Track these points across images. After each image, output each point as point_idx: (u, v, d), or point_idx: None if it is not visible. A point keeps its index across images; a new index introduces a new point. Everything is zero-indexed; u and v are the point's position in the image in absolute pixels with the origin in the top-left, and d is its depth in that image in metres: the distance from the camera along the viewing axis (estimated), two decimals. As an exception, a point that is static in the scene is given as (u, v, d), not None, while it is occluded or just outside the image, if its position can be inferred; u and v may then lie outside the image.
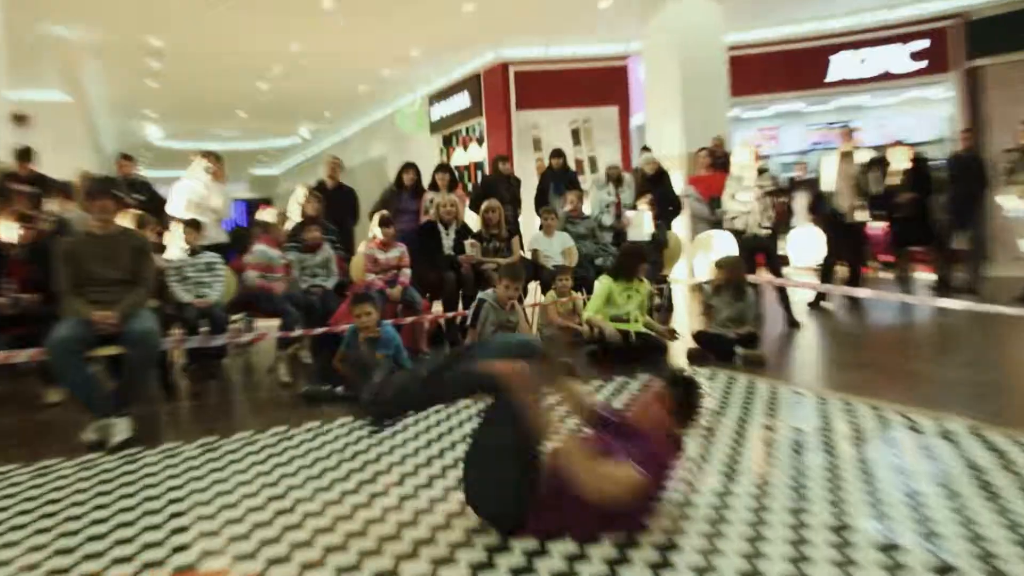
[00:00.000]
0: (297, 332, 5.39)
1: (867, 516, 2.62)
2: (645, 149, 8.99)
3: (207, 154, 6.57)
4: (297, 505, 2.98)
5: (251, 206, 22.38)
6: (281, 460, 3.58)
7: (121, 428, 4.04)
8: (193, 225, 5.73)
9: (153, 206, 6.63)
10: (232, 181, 24.89)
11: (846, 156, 7.47)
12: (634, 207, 7.48)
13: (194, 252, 5.61)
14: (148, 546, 2.67)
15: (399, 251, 6.22)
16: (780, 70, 12.84)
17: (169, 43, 11.46)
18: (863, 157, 7.51)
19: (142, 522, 2.89)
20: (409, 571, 2.37)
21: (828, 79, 12.80)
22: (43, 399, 5.08)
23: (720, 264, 5.67)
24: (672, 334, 5.69)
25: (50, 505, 3.15)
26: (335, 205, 7.02)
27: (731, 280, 5.55)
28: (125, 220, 5.16)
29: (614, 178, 7.77)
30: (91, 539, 2.76)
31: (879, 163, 7.54)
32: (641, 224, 7.24)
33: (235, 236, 9.07)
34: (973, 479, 2.92)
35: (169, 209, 6.45)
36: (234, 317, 5.93)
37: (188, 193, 6.41)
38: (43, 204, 6.47)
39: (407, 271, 6.15)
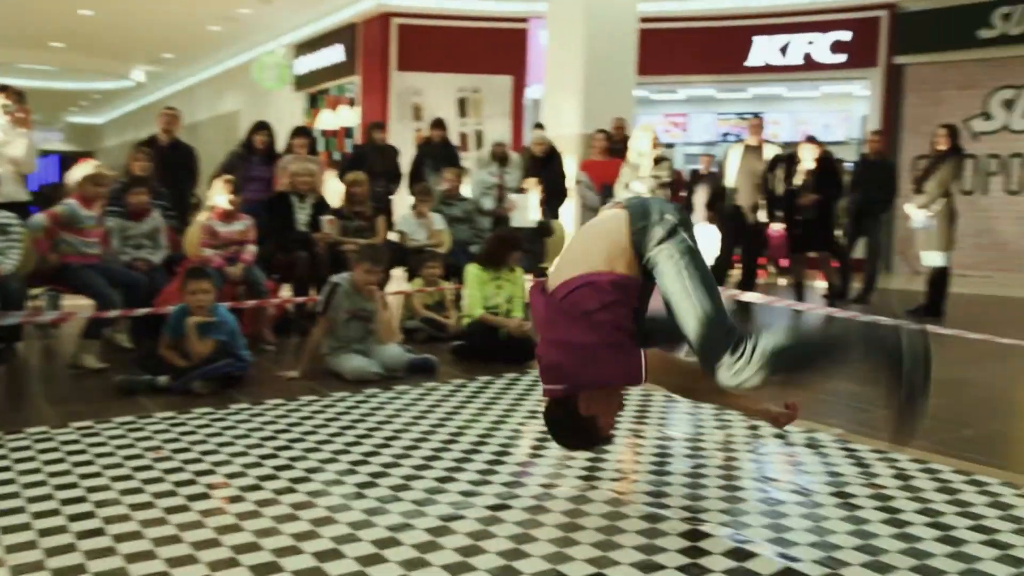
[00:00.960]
0: (114, 313, 5.39)
1: (720, 522, 2.94)
2: (538, 126, 9.28)
3: (5, 90, 6.41)
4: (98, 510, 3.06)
5: (65, 160, 21.59)
6: (82, 459, 3.63)
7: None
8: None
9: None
10: (41, 128, 24.00)
11: (752, 150, 7.98)
12: (520, 190, 7.75)
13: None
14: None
15: (244, 224, 6.29)
16: (695, 50, 13.41)
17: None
18: (770, 153, 8.02)
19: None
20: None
21: (747, 63, 13.43)
22: None
23: None
24: (521, 327, 5.82)
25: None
26: (169, 165, 7.00)
27: None
28: None
29: (500, 157, 8.02)
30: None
31: (786, 160, 8.03)
32: (526, 209, 7.52)
33: (41, 195, 8.86)
34: (832, 488, 3.30)
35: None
36: (34, 292, 5.84)
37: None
38: None
39: (252, 248, 6.22)
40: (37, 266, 5.54)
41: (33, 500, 3.09)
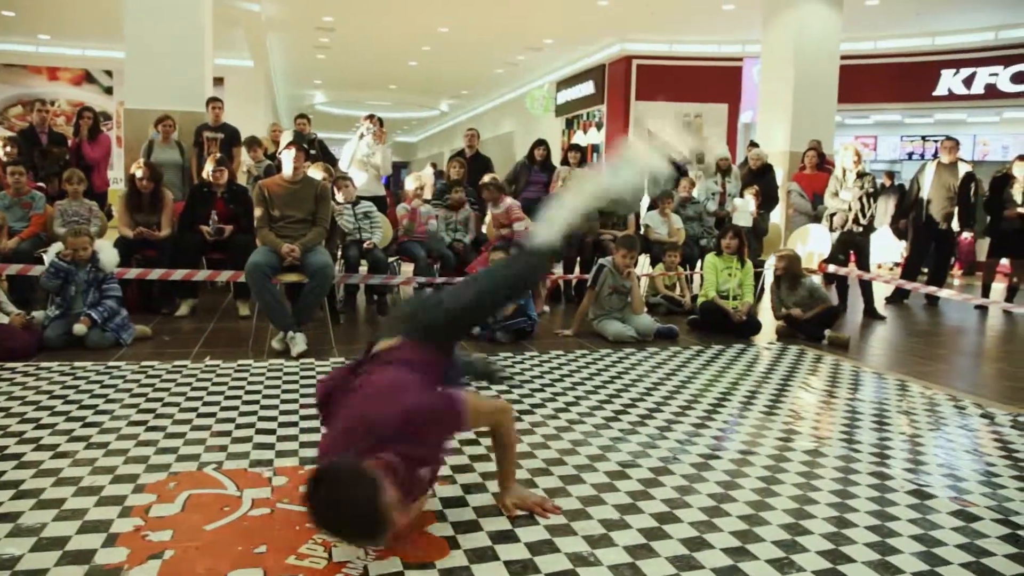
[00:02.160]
0: (438, 280, 5.66)
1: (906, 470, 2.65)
2: (753, 144, 8.81)
3: (371, 117, 6.86)
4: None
5: (395, 167, 23.02)
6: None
7: (299, 342, 4.39)
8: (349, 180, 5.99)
9: (323, 160, 6.97)
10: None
11: (945, 167, 7.16)
12: (741, 195, 7.40)
13: (354, 203, 5.89)
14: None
15: (504, 206, 6.27)
16: (887, 82, 12.30)
17: (338, 21, 11.89)
18: (962, 170, 7.18)
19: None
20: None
21: (935, 93, 12.16)
22: (237, 311, 5.55)
23: (778, 256, 5.61)
24: (737, 313, 5.47)
25: (249, 395, 3.50)
26: (473, 171, 7.23)
27: (787, 271, 5.48)
28: (317, 171, 5.47)
29: (723, 169, 7.68)
30: (283, 425, 3.08)
31: (1002, 177, 7.11)
32: (746, 211, 7.16)
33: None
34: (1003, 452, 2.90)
35: (340, 165, 6.80)
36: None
37: (355, 151, 6.73)
38: (233, 151, 6.96)
39: (517, 225, 6.20)
40: (390, 242, 5.92)
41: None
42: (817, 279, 6.07)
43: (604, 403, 3.54)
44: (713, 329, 5.42)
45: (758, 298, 7.04)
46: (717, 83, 13.05)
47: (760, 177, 7.83)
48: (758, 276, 6.70)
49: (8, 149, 6.07)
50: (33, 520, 2.15)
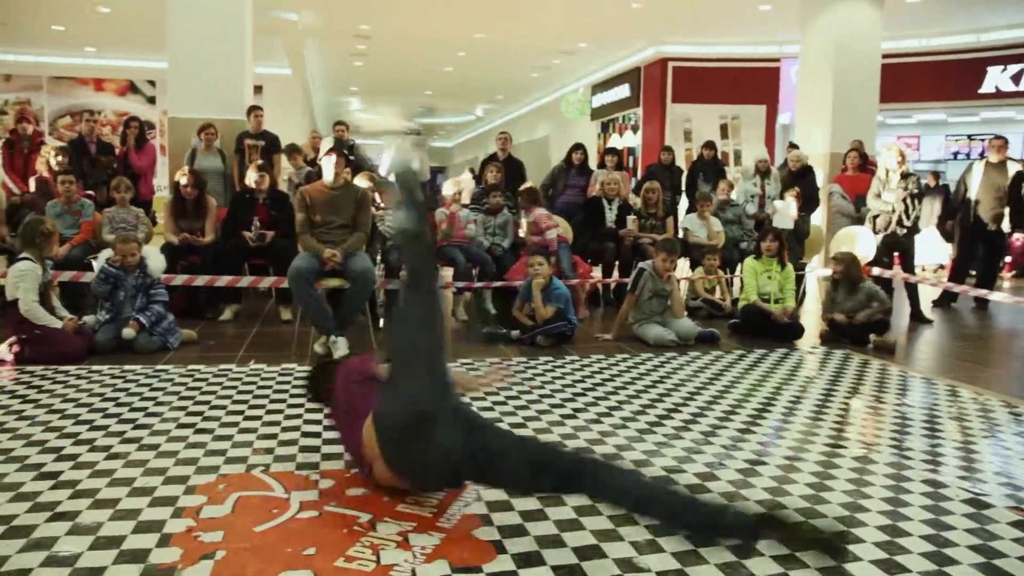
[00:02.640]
0: (479, 284, 5.68)
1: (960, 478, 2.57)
2: (793, 146, 8.69)
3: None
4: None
5: (432, 172, 23.17)
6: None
7: (341, 346, 4.44)
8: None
9: (361, 166, 7.03)
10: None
11: (994, 167, 6.98)
12: (781, 198, 7.30)
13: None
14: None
15: (534, 216, 6.28)
16: (930, 80, 12.03)
17: (375, 28, 12.01)
18: (1012, 169, 6.98)
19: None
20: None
21: (981, 91, 11.86)
22: (280, 316, 5.63)
23: (836, 259, 5.49)
24: (781, 315, 5.39)
25: (294, 398, 3.54)
26: (506, 175, 7.23)
27: (845, 275, 5.37)
28: (362, 179, 5.51)
29: (762, 171, 7.59)
30: (328, 428, 3.11)
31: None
32: (786, 213, 7.05)
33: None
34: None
35: (381, 171, 6.85)
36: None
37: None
38: (274, 158, 7.06)
39: (550, 234, 6.11)
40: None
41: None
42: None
43: (647, 407, 3.51)
44: (755, 333, 5.34)
45: (800, 301, 6.93)
46: (754, 84, 12.89)
47: (800, 179, 7.72)
48: (800, 279, 6.60)
49: (59, 159, 6.24)
50: (90, 519, 2.21)
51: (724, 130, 13.05)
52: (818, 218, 8.22)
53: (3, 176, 6.86)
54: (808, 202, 7.54)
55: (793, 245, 6.83)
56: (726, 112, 13.11)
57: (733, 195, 7.43)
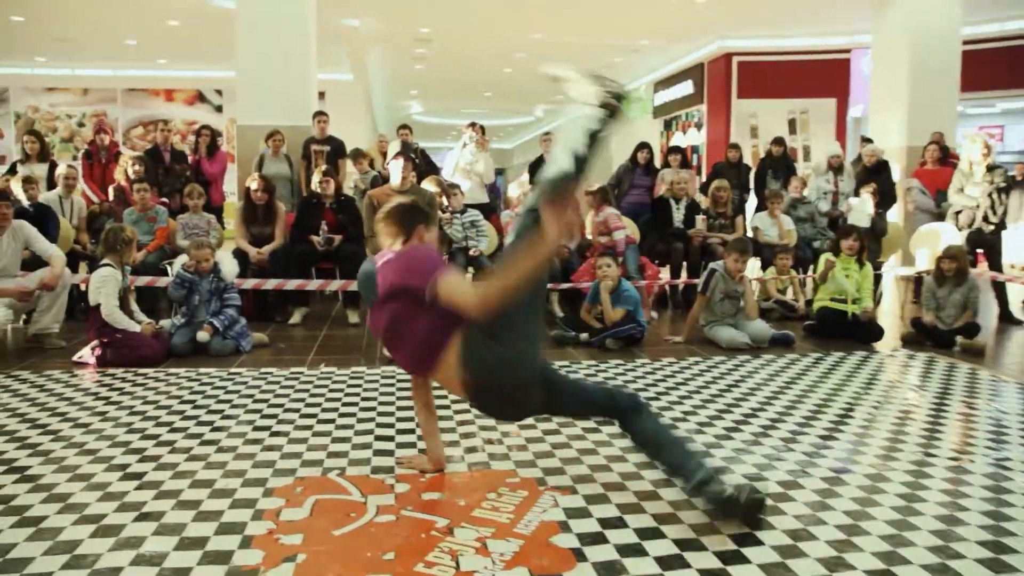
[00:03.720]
0: (546, 286, 5.66)
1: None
2: (867, 140, 8.40)
3: (473, 125, 6.94)
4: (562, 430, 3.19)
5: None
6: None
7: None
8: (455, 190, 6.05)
9: (428, 170, 7.11)
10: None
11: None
12: (856, 194, 7.07)
13: (461, 211, 5.96)
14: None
15: (603, 215, 6.19)
16: (1014, 66, 11.47)
17: (435, 31, 12.12)
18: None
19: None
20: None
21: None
22: (347, 319, 5.72)
23: (946, 254, 5.25)
24: (865, 312, 5.24)
25: (365, 402, 3.59)
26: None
27: (959, 270, 5.13)
28: (431, 184, 5.55)
29: (835, 167, 7.37)
30: (401, 432, 3.13)
31: None
32: (863, 210, 6.82)
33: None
34: None
35: (443, 174, 6.91)
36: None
37: (458, 159, 6.82)
38: (339, 163, 7.18)
39: (617, 235, 6.09)
40: (495, 249, 5.96)
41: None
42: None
43: (723, 412, 3.44)
44: (831, 335, 5.18)
45: (877, 302, 6.71)
46: (823, 77, 12.52)
47: (875, 174, 7.47)
48: (877, 280, 6.38)
49: (136, 167, 6.48)
50: (175, 519, 2.27)
51: (792, 125, 12.72)
52: (895, 215, 7.94)
53: (83, 186, 7.15)
54: (885, 198, 7.29)
55: (870, 244, 6.61)
56: (794, 107, 12.78)
57: (805, 192, 7.23)
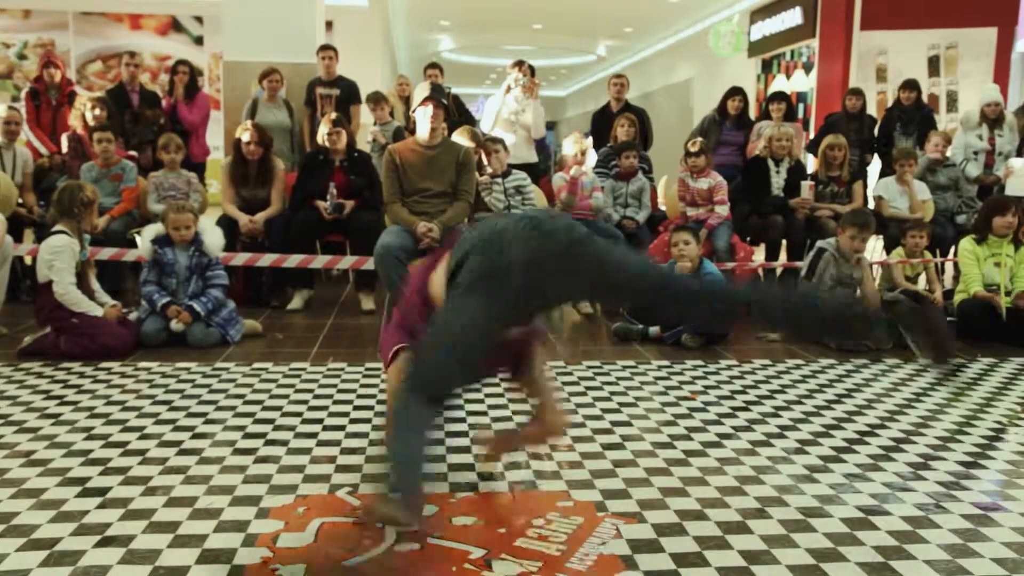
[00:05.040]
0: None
1: None
2: (1034, 84, 8.22)
3: (520, 64, 6.95)
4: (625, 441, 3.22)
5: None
6: (601, 394, 3.86)
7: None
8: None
9: (463, 120, 7.14)
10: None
11: None
12: (1020, 154, 6.93)
13: (503, 174, 5.97)
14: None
15: (710, 182, 6.25)
16: None
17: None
18: None
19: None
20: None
21: None
22: (360, 305, 5.80)
23: None
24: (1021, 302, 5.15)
25: (381, 405, 3.66)
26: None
27: None
28: (462, 136, 5.60)
29: (992, 118, 7.23)
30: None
31: None
32: (1024, 176, 6.68)
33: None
34: None
35: (482, 126, 6.95)
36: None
37: (500, 108, 6.84)
38: (352, 110, 7.26)
39: (720, 210, 6.15)
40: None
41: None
42: None
43: (831, 428, 3.43)
44: (978, 336, 5.12)
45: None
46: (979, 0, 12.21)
47: (1049, 128, 7.32)
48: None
49: (96, 112, 6.58)
50: (146, 545, 2.34)
51: (934, 64, 12.45)
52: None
53: (28, 134, 7.28)
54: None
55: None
56: (938, 39, 12.48)
57: (949, 152, 7.12)
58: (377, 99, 7.20)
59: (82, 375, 4.12)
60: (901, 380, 4.22)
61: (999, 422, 3.58)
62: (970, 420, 3.60)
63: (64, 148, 6.74)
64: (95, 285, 4.85)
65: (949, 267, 6.77)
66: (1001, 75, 12.01)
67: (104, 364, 4.31)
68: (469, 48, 21.27)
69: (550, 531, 2.43)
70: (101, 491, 2.71)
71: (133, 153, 6.77)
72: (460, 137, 5.58)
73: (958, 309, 5.32)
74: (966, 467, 3.04)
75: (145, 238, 4.98)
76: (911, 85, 8.23)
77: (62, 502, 2.62)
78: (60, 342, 4.46)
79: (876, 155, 8.03)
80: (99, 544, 2.34)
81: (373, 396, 3.81)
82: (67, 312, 4.49)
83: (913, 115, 8.03)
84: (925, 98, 8.84)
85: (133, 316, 4.86)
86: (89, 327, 4.49)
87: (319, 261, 5.63)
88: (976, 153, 7.18)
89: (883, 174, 7.35)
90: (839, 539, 2.42)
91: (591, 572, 2.21)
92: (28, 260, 5.56)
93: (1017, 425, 3.55)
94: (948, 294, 5.84)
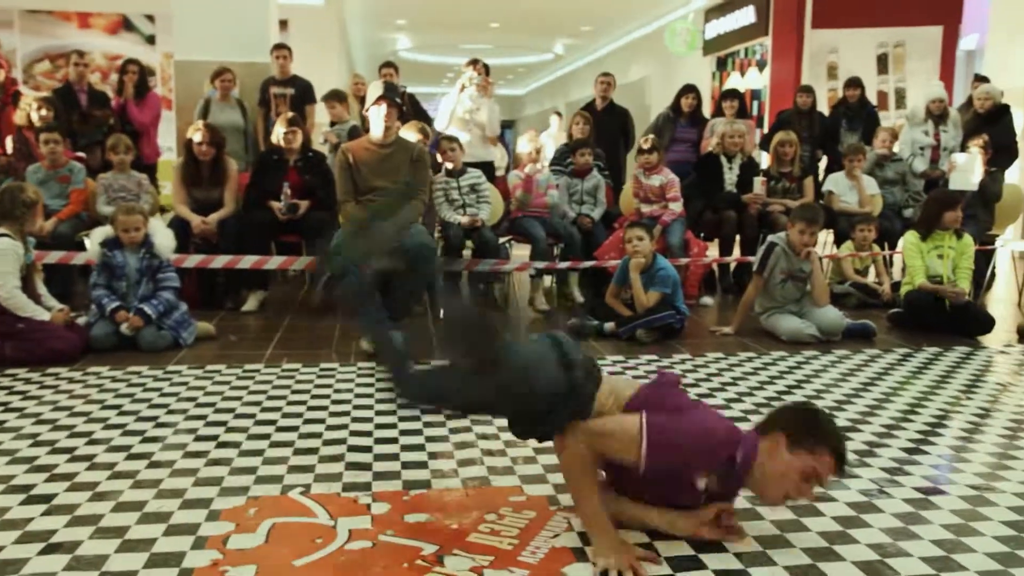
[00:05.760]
0: (563, 265, 5.71)
1: None
2: (980, 79, 8.33)
3: (475, 63, 6.96)
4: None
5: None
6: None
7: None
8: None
9: (417, 119, 7.13)
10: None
11: None
12: (963, 149, 7.05)
13: (458, 172, 5.96)
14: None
15: (662, 179, 6.26)
16: None
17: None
18: None
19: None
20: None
21: None
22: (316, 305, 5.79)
23: None
24: (956, 296, 5.22)
25: (337, 405, 3.65)
26: (606, 128, 7.21)
27: None
28: (410, 131, 5.60)
29: (936, 114, 7.35)
30: (380, 441, 3.19)
31: None
32: (969, 171, 6.79)
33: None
34: None
35: (436, 124, 6.95)
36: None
37: (455, 106, 6.85)
38: (306, 110, 7.22)
39: (674, 207, 6.19)
40: (500, 219, 6.01)
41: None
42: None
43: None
44: (925, 326, 5.22)
45: (988, 285, 6.71)
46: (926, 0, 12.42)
47: (990, 123, 7.43)
48: (989, 257, 6.38)
49: (43, 112, 6.48)
50: (93, 551, 2.31)
51: (883, 62, 12.65)
52: (1014, 175, 7.91)
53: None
54: (1000, 154, 7.24)
55: (978, 212, 6.63)
56: (886, 38, 12.68)
57: (896, 147, 7.23)
58: (335, 97, 7.17)
59: (28, 381, 4.05)
60: (850, 370, 4.30)
61: (942, 409, 3.66)
62: (914, 408, 3.67)
63: (8, 149, 6.63)
64: (42, 289, 4.78)
65: (898, 259, 6.89)
66: (946, 72, 12.22)
67: (52, 370, 4.24)
68: (426, 47, 21.22)
69: (502, 526, 2.44)
70: (46, 498, 2.66)
71: (81, 154, 6.68)
72: (408, 132, 5.57)
73: (905, 300, 5.42)
74: (909, 453, 3.11)
75: (94, 241, 4.91)
76: (855, 83, 8.36)
77: (5, 510, 2.57)
78: (6, 348, 4.38)
79: (823, 151, 8.15)
80: (43, 551, 2.31)
81: (327, 396, 3.80)
82: (12, 317, 4.41)
83: (858, 112, 8.17)
84: (875, 95, 8.99)
85: (82, 320, 4.79)
86: (36, 332, 4.42)
87: (274, 262, 5.60)
88: (922, 148, 7.29)
89: (829, 170, 7.46)
90: (786, 526, 2.46)
91: (542, 564, 2.23)
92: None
93: (960, 412, 3.63)
94: (896, 286, 5.94)
